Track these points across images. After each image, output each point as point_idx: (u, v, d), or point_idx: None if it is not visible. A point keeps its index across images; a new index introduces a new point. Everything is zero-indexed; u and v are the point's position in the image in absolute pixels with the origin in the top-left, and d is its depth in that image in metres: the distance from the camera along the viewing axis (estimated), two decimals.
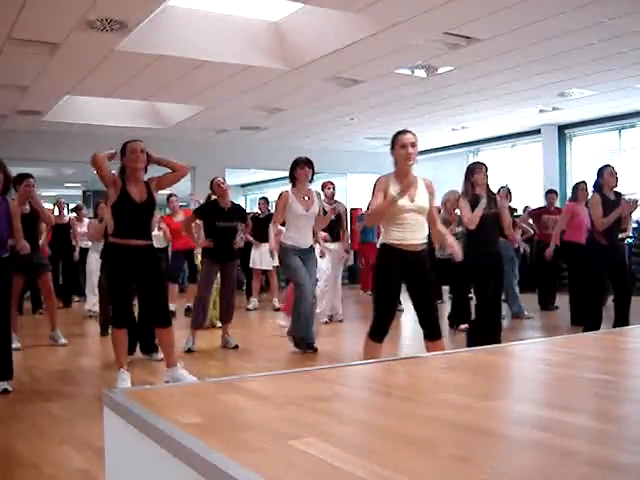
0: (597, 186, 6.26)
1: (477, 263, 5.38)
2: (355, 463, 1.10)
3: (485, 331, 5.36)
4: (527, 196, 12.12)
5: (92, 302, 8.43)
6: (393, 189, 3.86)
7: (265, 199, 10.18)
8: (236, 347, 6.15)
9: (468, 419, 1.44)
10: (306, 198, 5.68)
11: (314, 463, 1.12)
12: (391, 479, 1.04)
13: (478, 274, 5.44)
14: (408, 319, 8.89)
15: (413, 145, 3.90)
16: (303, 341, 5.81)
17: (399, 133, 3.98)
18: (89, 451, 3.05)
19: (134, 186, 4.31)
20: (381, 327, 3.99)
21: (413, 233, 3.91)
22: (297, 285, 5.71)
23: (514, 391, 1.78)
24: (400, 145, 3.91)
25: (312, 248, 5.87)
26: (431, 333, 3.99)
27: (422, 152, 16.17)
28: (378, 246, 4.23)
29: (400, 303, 8.15)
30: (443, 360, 2.20)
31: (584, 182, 7.57)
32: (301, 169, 5.67)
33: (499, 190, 7.30)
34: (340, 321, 7.89)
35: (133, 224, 4.31)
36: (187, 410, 1.47)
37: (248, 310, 9.32)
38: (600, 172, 6.26)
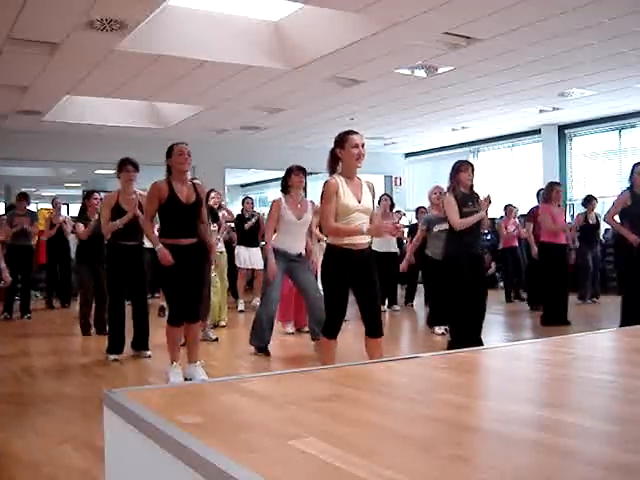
0: (630, 183, 6.32)
1: (458, 264, 5.33)
2: (355, 463, 1.10)
3: (465, 332, 5.35)
4: (527, 196, 12.15)
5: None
6: (343, 190, 3.87)
7: (251, 198, 9.98)
8: (216, 340, 6.47)
9: (468, 419, 1.44)
10: (299, 206, 5.66)
11: (314, 463, 1.12)
12: (391, 479, 1.04)
13: (458, 276, 5.37)
14: (407, 320, 8.90)
15: (363, 146, 3.96)
16: (264, 348, 5.74)
17: (349, 132, 4.00)
18: (89, 451, 3.05)
19: (181, 187, 4.51)
20: (334, 325, 4.04)
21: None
22: (265, 292, 5.70)
23: (514, 391, 1.78)
24: (352, 145, 3.92)
25: (301, 255, 5.75)
26: (374, 331, 4.08)
27: (422, 152, 16.27)
28: (325, 245, 4.18)
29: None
30: (443, 360, 2.20)
31: (558, 183, 7.68)
32: (296, 175, 5.66)
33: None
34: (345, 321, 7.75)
35: (180, 224, 4.49)
36: (187, 410, 1.47)
37: (241, 312, 9.24)
38: (633, 170, 6.32)
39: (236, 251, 9.30)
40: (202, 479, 1.11)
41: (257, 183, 20.56)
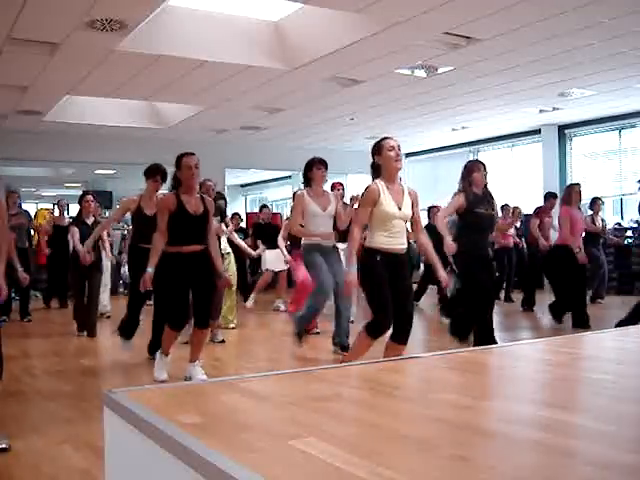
0: None
1: (469, 263, 5.30)
2: (355, 463, 1.10)
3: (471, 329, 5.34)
4: (527, 196, 12.14)
5: (104, 302, 8.38)
6: (385, 197, 3.94)
7: (267, 207, 10.27)
8: (222, 341, 6.32)
9: (468, 419, 1.44)
10: (322, 198, 5.56)
11: (314, 463, 1.12)
12: (391, 479, 1.04)
13: (470, 274, 5.33)
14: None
15: (399, 148, 4.03)
16: (301, 335, 5.58)
17: (383, 139, 4.09)
18: (89, 451, 3.05)
19: (189, 198, 4.51)
20: (384, 324, 4.01)
21: (398, 239, 4.03)
22: (317, 281, 5.55)
23: (514, 391, 1.78)
24: (388, 148, 3.99)
25: (335, 247, 5.73)
26: (400, 337, 4.06)
27: (422, 152, 16.21)
28: (363, 249, 4.19)
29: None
30: (443, 360, 2.20)
31: (578, 184, 7.53)
32: (317, 169, 5.58)
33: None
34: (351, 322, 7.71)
35: (187, 234, 4.50)
36: (187, 410, 1.47)
37: (246, 307, 9.21)
38: None
39: (263, 255, 9.42)
40: (202, 479, 1.11)
41: (257, 183, 20.55)
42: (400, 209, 3.98)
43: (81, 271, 7.03)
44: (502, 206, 10.35)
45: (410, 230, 4.34)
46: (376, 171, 4.07)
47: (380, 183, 3.98)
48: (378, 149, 4.04)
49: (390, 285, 3.99)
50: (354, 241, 4.02)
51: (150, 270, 4.44)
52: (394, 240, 3.99)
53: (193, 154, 4.57)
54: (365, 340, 4.09)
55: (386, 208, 3.93)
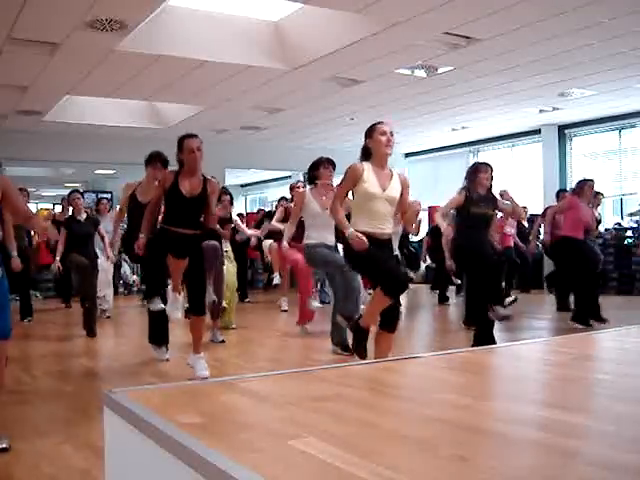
0: None
1: (466, 256, 5.34)
2: (355, 463, 1.10)
3: (487, 328, 5.31)
4: (527, 197, 12.14)
5: (108, 299, 8.30)
6: (368, 177, 3.89)
7: (286, 199, 10.15)
8: (223, 342, 6.23)
9: (468, 419, 1.44)
10: (324, 198, 5.49)
11: (314, 463, 1.12)
12: (391, 479, 1.04)
13: (469, 267, 5.39)
14: (409, 319, 8.89)
15: (392, 134, 4.00)
16: (348, 347, 5.40)
17: (376, 123, 4.05)
18: (89, 451, 3.05)
19: (188, 180, 4.50)
20: (398, 283, 3.90)
21: (382, 223, 3.94)
22: (330, 260, 5.39)
23: (514, 391, 1.78)
24: (380, 132, 3.97)
25: (336, 247, 5.60)
26: (389, 324, 4.00)
27: (422, 152, 16.19)
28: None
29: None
30: (443, 360, 2.20)
31: (592, 180, 7.37)
32: (325, 169, 5.55)
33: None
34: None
35: (179, 215, 4.49)
36: (187, 410, 1.47)
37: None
38: None
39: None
40: (202, 479, 1.11)
41: (257, 183, 20.56)
42: (384, 191, 3.92)
43: (80, 268, 7.03)
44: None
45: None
46: (365, 154, 4.03)
47: (367, 165, 3.95)
48: (370, 132, 4.01)
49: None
50: (338, 212, 3.97)
51: (142, 236, 4.50)
52: (378, 224, 3.92)
53: (195, 136, 4.54)
54: (381, 298, 3.84)
55: (368, 187, 3.88)
